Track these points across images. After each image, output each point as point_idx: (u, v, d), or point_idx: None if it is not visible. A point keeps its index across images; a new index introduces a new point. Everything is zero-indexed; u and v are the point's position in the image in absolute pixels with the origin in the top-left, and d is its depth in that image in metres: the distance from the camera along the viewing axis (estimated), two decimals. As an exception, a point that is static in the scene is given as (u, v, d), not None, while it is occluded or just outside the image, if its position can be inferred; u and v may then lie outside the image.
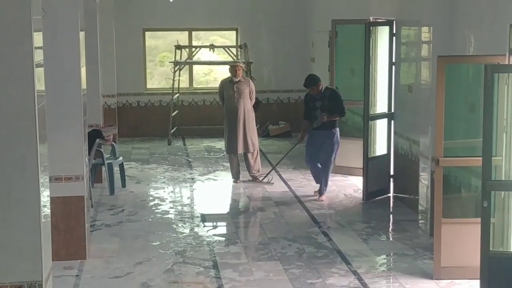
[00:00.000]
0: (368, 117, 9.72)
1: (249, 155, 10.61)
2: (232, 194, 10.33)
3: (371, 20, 10.25)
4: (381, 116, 9.97)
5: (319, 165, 9.60)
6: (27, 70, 4.12)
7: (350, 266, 7.14)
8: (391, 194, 9.79)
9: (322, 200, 9.54)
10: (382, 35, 9.90)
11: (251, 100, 10.61)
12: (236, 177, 10.72)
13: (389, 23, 9.84)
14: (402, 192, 9.48)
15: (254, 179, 10.63)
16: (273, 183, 10.52)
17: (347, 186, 10.42)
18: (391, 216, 9.16)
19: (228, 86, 10.60)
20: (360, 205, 9.51)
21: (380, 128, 10.01)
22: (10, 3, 4.04)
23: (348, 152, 10.69)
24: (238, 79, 10.51)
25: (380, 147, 10.04)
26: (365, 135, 9.71)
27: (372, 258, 7.39)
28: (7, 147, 4.17)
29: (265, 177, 10.59)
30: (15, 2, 4.05)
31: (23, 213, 4.23)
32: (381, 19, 10.19)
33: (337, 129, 9.59)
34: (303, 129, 9.85)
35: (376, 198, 9.67)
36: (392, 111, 9.88)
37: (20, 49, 4.10)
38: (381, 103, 10.01)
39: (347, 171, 10.93)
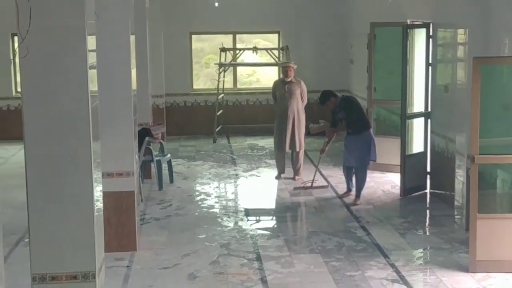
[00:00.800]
0: (406, 116, 9.62)
1: (295, 154, 10.51)
2: (274, 189, 10.29)
3: (408, 23, 10.13)
4: (418, 115, 9.85)
5: (353, 169, 9.34)
6: (81, 72, 4.17)
7: (388, 259, 7.07)
8: (427, 190, 9.67)
9: (357, 204, 9.13)
10: (419, 37, 9.79)
11: (303, 101, 10.49)
12: (280, 172, 10.65)
13: (425, 25, 9.71)
14: (439, 188, 9.35)
15: (295, 178, 10.44)
16: (327, 186, 10.14)
17: (385, 183, 10.32)
18: (427, 211, 9.05)
19: (280, 86, 10.53)
20: (397, 201, 9.41)
21: (417, 126, 9.90)
22: (65, 9, 4.09)
23: (386, 149, 10.58)
24: (289, 80, 10.42)
25: (417, 145, 9.92)
26: (403, 134, 9.61)
27: (410, 252, 7.31)
28: (62, 144, 4.22)
29: (312, 182, 10.04)
30: (70, 8, 4.09)
31: (78, 207, 4.28)
32: (418, 21, 10.06)
33: (370, 130, 9.35)
34: (326, 141, 9.69)
35: (413, 194, 9.56)
36: (429, 110, 9.77)
37: (75, 52, 4.15)
38: (418, 103, 9.89)
39: (385, 168, 10.82)
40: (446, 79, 9.18)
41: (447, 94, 9.03)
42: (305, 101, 10.56)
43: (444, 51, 9.34)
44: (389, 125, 11.17)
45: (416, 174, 9.64)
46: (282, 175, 10.66)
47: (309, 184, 10.09)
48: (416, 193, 9.59)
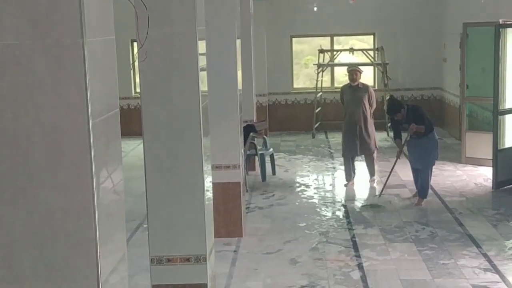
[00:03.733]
0: (498, 112, 9.29)
1: (366, 158, 9.87)
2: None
3: (500, 23, 9.76)
4: (510, 111, 9.48)
5: (419, 170, 8.61)
6: (193, 74, 4.24)
7: (480, 249, 6.85)
8: (519, 184, 9.31)
9: (421, 205, 8.54)
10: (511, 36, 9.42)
11: (371, 106, 9.56)
12: (348, 178, 9.76)
13: (518, 24, 9.34)
14: (531, 182, 8.97)
15: (370, 180, 9.78)
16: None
17: (477, 176, 9.99)
18: (519, 204, 8.71)
19: (348, 92, 9.66)
20: (489, 193, 9.09)
21: (509, 122, 9.53)
22: (179, 17, 4.18)
23: (478, 144, 10.26)
24: (355, 84, 9.55)
25: (509, 140, 9.55)
26: (495, 129, 9.29)
27: (502, 242, 7.06)
28: (177, 139, 4.31)
29: (382, 190, 9.23)
30: (183, 16, 4.18)
31: (191, 196, 4.35)
32: (510, 21, 9.68)
33: (432, 133, 8.52)
34: (399, 148, 8.86)
35: (505, 187, 9.21)
36: (521, 106, 9.40)
37: (187, 56, 4.22)
38: (510, 99, 9.52)
39: (477, 162, 10.48)
40: (539, 76, 8.78)
41: (540, 90, 8.64)
42: (374, 106, 9.60)
43: (537, 49, 8.94)
44: (481, 121, 10.81)
45: (508, 168, 9.28)
46: (353, 181, 9.79)
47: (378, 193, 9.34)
48: (508, 186, 9.24)
